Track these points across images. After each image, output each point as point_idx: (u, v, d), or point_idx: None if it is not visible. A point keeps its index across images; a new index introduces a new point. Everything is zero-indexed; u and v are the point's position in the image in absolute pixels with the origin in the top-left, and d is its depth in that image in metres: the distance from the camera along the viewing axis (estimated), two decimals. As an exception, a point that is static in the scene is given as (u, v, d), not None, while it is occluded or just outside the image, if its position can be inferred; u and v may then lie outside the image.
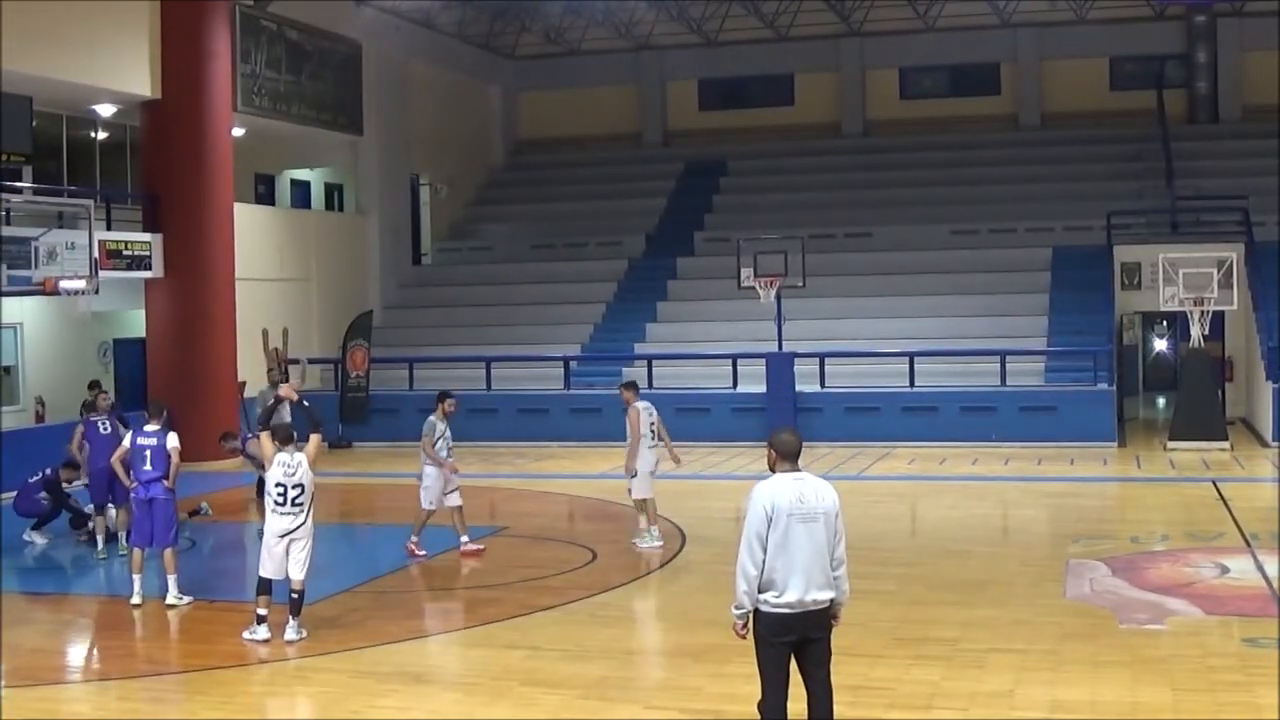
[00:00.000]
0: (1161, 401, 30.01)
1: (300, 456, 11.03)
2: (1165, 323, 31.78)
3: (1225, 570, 12.88)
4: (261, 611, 10.93)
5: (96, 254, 19.33)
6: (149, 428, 12.82)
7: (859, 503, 16.84)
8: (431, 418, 14.49)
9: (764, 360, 24.10)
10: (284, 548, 10.92)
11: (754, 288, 23.88)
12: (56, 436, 16.36)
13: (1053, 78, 34.13)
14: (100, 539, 14.84)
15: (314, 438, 11.42)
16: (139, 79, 22.61)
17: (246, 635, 10.95)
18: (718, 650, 9.99)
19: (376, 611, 12.02)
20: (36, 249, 18.03)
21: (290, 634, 10.86)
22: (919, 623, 11.12)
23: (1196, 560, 13.33)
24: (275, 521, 10.94)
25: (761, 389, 24.10)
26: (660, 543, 14.64)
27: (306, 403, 12.67)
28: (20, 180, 21.24)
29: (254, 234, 25.40)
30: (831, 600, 7.29)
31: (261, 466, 12.21)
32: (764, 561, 7.13)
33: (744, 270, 23.93)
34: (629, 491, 14.93)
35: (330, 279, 28.49)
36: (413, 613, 12.11)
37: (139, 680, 10.24)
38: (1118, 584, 12.33)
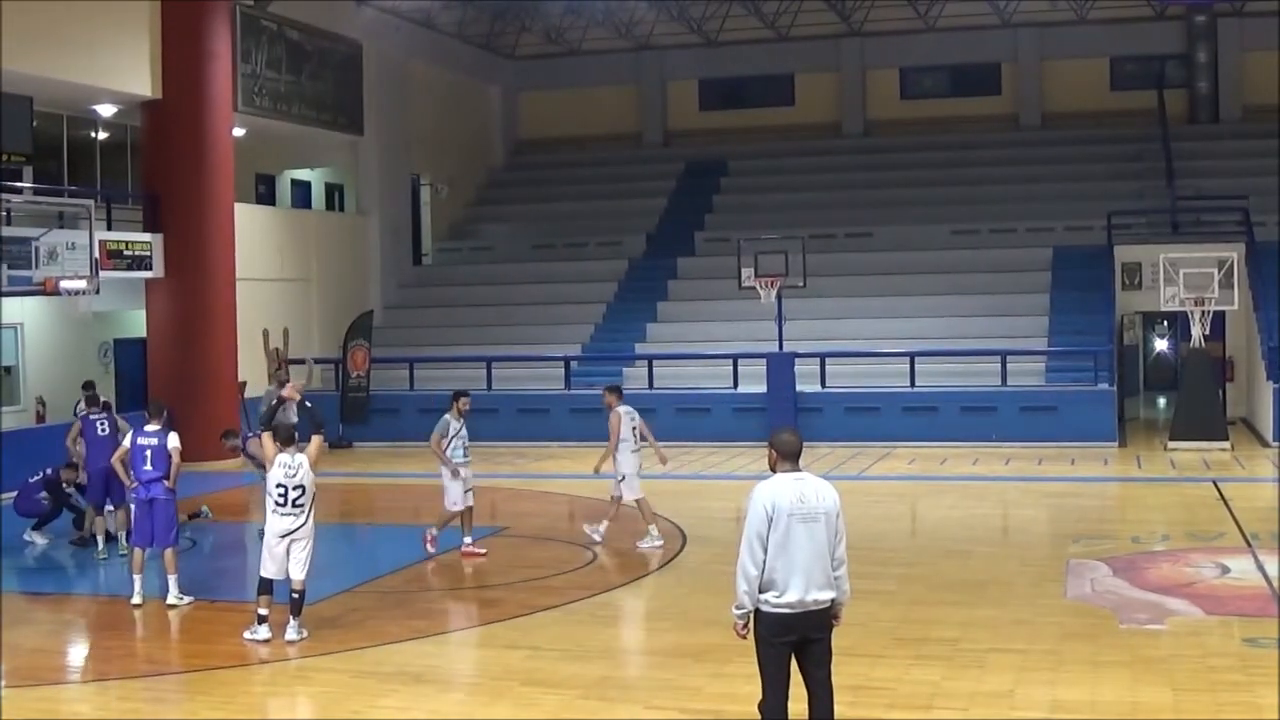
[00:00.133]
0: (1162, 401, 30.01)
1: (301, 458, 11.03)
2: (1166, 323, 31.78)
3: (1226, 570, 12.88)
4: (262, 611, 10.93)
5: (97, 254, 19.33)
6: (149, 428, 12.81)
7: (859, 503, 16.84)
8: (446, 416, 14.47)
9: (764, 360, 24.11)
10: (285, 548, 10.92)
11: (754, 288, 23.88)
12: (57, 436, 16.36)
13: (1053, 78, 34.13)
14: (100, 540, 14.83)
15: (315, 439, 11.42)
16: (139, 79, 22.61)
17: (247, 635, 10.95)
18: (718, 650, 9.99)
19: (377, 611, 12.01)
20: (37, 249, 18.04)
21: (291, 634, 10.86)
22: (919, 623, 11.12)
23: (1197, 560, 13.33)
24: (276, 522, 10.94)
25: (762, 389, 24.10)
26: (660, 542, 14.64)
27: (309, 404, 12.68)
28: (21, 180, 21.25)
29: (254, 234, 25.40)
30: (832, 600, 7.29)
31: (262, 466, 12.21)
32: (764, 561, 7.13)
33: (744, 270, 23.94)
34: (615, 496, 14.90)
35: (330, 279, 28.50)
36: (413, 613, 12.11)
37: (139, 680, 10.24)
38: (1118, 584, 12.33)
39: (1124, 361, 26.92)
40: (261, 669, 10.43)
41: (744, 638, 7.30)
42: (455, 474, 14.33)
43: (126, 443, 13.01)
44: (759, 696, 7.36)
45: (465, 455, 14.43)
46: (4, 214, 18.83)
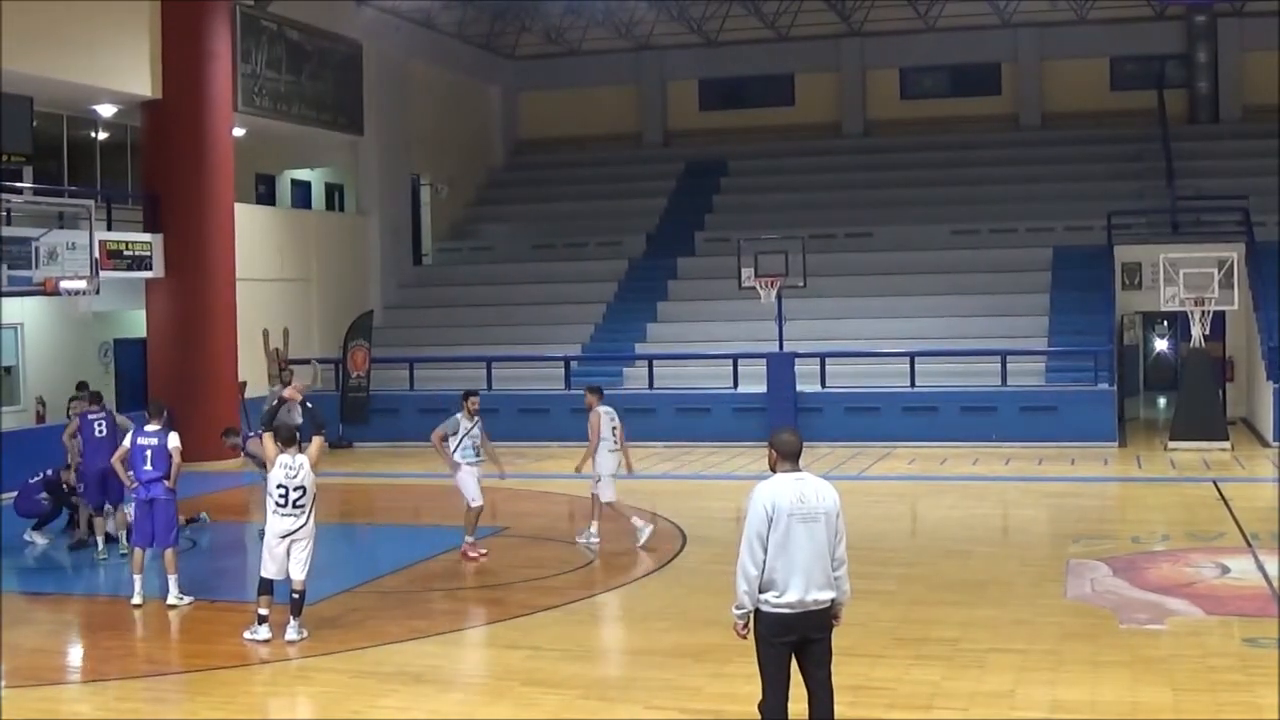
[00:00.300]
0: (1162, 401, 30.00)
1: (302, 458, 11.03)
2: (1166, 323, 31.78)
3: (1226, 570, 12.88)
4: (263, 611, 10.93)
5: (97, 254, 19.33)
6: (150, 428, 12.80)
7: (859, 503, 16.84)
8: (457, 415, 14.44)
9: (764, 360, 24.11)
10: (285, 548, 10.93)
11: (754, 288, 23.88)
12: (57, 437, 16.33)
13: (1053, 78, 34.13)
14: (100, 540, 14.83)
15: (316, 439, 11.42)
16: (139, 79, 22.61)
17: (247, 635, 10.96)
18: (718, 650, 10.00)
19: (377, 611, 12.02)
20: (37, 249, 18.03)
21: (291, 634, 10.87)
22: (919, 623, 11.13)
23: (1197, 560, 13.33)
24: (276, 522, 10.94)
25: (762, 389, 24.11)
26: (598, 539, 14.68)
27: (310, 404, 12.66)
28: (21, 180, 21.25)
29: (254, 234, 25.40)
30: (832, 600, 7.29)
31: (263, 465, 12.20)
32: (764, 561, 7.13)
33: (744, 270, 23.94)
34: (595, 495, 14.91)
35: (331, 279, 28.50)
36: (413, 613, 12.11)
37: (140, 680, 10.25)
38: (1118, 584, 12.33)
39: (1124, 361, 26.91)
40: (262, 669, 10.43)
41: (744, 638, 7.30)
42: (456, 467, 14.32)
43: (126, 443, 13.00)
44: (759, 696, 7.36)
45: (478, 455, 14.41)
46: (4, 214, 18.82)
